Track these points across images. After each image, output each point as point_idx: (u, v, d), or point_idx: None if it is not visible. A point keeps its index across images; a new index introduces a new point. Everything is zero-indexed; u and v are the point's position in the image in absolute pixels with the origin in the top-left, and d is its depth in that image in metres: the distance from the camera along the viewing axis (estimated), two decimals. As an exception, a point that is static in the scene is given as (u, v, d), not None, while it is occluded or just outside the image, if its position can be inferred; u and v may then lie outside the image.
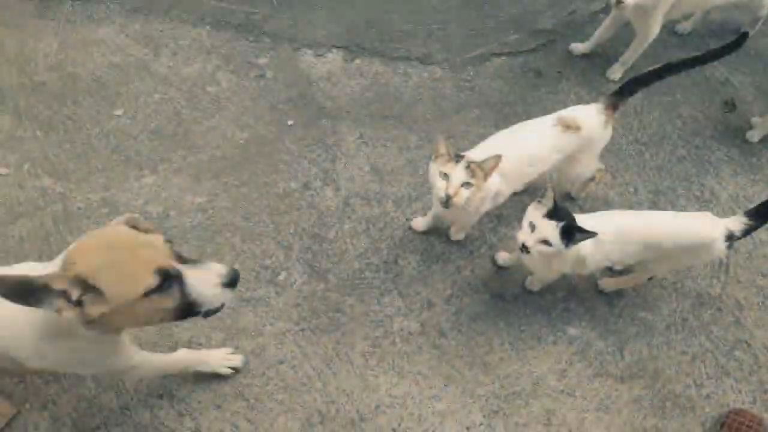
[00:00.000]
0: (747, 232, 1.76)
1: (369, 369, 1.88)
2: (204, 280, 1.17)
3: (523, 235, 1.66)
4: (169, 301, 1.14)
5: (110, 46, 2.67)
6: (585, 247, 1.70)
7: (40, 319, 1.19)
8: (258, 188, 2.23)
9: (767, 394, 1.92)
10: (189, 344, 1.87)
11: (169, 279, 1.12)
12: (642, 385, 1.90)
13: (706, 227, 1.75)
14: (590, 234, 1.61)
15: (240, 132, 2.39)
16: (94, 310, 1.09)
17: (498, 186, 1.87)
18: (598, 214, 1.79)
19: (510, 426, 1.81)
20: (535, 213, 1.67)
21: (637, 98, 2.58)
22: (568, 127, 1.93)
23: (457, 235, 2.15)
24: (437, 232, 2.17)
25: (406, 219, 2.20)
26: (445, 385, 1.87)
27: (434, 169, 1.77)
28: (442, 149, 1.77)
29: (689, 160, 2.47)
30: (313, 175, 2.29)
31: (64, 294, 1.06)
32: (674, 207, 2.30)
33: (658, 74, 2.00)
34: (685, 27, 2.92)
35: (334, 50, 2.72)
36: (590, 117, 1.97)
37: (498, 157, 1.73)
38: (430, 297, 2.03)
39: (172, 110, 2.44)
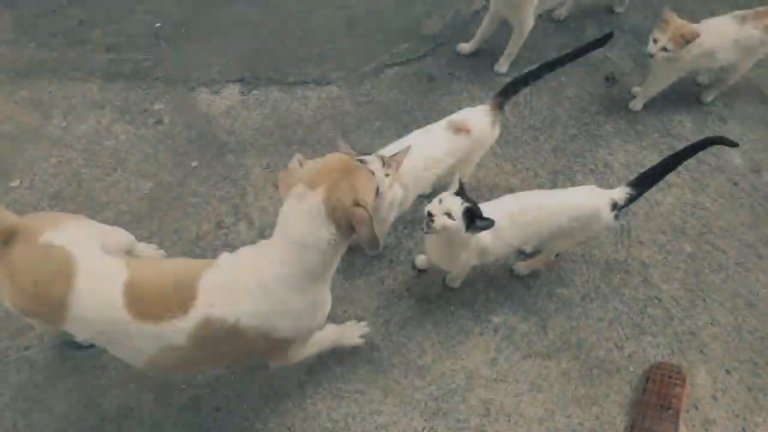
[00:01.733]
0: (630, 201, 1.86)
1: (307, 398, 1.86)
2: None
3: (431, 205, 1.69)
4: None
5: (-1, 116, 2.56)
6: (484, 236, 1.75)
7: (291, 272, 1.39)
8: (170, 236, 2.17)
9: (682, 344, 2.02)
10: (120, 406, 1.81)
11: None
12: (568, 358, 1.97)
13: (591, 200, 1.83)
14: (489, 223, 1.65)
15: (144, 182, 2.33)
16: None
17: (400, 194, 1.90)
18: (492, 201, 1.85)
19: (451, 423, 1.83)
20: (444, 193, 1.71)
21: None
22: (459, 129, 1.98)
23: None
24: (355, 249, 2.17)
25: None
26: (384, 397, 1.87)
27: None
28: (344, 150, 1.79)
29: (581, 137, 2.58)
30: (225, 212, 2.25)
31: None
32: (573, 183, 2.40)
33: (536, 74, 2.09)
34: (560, 13, 3.05)
35: (230, 84, 2.70)
36: (479, 118, 2.03)
37: (407, 149, 1.77)
38: (357, 312, 2.04)
39: (70, 172, 2.36)
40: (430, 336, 2.00)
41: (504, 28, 2.73)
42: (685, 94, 2.76)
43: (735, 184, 2.47)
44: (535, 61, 2.83)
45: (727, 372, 1.96)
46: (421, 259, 2.13)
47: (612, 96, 2.75)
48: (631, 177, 2.28)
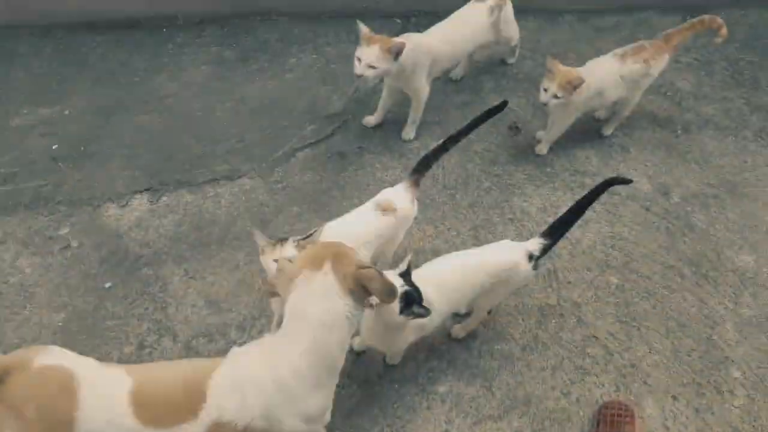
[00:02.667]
0: (546, 250, 1.95)
1: None
2: None
3: None
4: None
5: None
6: None
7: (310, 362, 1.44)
8: (90, 366, 2.11)
9: (626, 378, 2.09)
10: None
11: None
12: (519, 414, 2.00)
13: (507, 256, 1.92)
14: (425, 311, 1.70)
15: (56, 314, 2.28)
16: None
17: None
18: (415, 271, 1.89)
19: None
20: (389, 272, 1.75)
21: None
22: (386, 210, 2.06)
23: None
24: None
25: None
26: (337, 496, 1.84)
27: (265, 261, 1.84)
28: (262, 241, 1.83)
29: (495, 189, 2.71)
30: (146, 330, 2.22)
31: None
32: (494, 235, 2.50)
33: (443, 148, 2.20)
34: (457, 73, 3.24)
35: (138, 195, 2.71)
36: (401, 197, 2.11)
37: (321, 229, 1.86)
38: (299, 409, 2.01)
39: (-26, 317, 2.28)
40: (378, 421, 1.99)
41: (406, 96, 2.87)
42: (587, 131, 2.96)
43: (647, 209, 2.63)
44: (440, 121, 3.01)
45: (674, 398, 2.04)
46: (357, 341, 2.14)
47: (518, 144, 2.92)
48: (549, 220, 2.42)
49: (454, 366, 2.12)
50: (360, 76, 2.47)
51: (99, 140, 2.96)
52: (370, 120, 2.99)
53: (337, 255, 1.45)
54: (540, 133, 2.91)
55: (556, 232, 1.99)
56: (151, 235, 2.54)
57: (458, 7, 2.92)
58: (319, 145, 2.94)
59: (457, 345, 2.17)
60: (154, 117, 3.08)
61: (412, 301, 1.70)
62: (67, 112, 3.07)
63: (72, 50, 3.42)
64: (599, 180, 2.59)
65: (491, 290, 1.94)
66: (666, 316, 2.26)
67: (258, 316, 2.26)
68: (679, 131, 3.01)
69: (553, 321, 2.23)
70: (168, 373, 1.51)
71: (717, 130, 3.03)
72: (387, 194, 2.13)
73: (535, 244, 1.95)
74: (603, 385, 2.06)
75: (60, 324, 2.25)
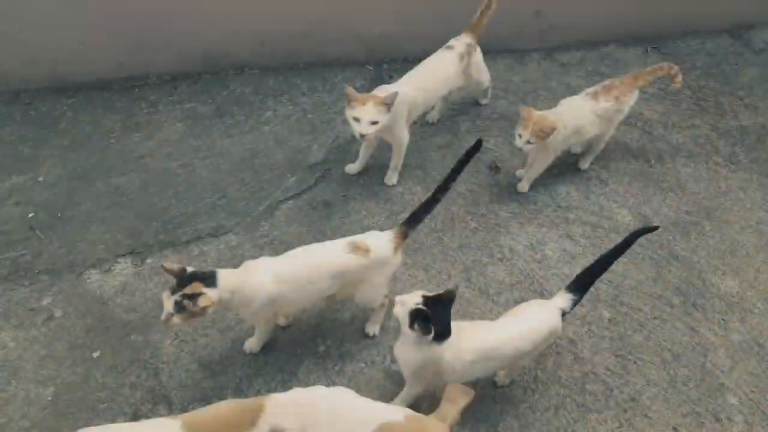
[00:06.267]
0: (575, 305, 2.01)
1: None
2: None
3: (401, 296, 1.88)
4: None
5: None
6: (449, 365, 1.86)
7: None
8: (84, 442, 2.08)
9: (627, 413, 2.14)
10: None
11: None
12: (526, 459, 2.03)
13: (548, 320, 1.98)
14: (429, 328, 1.78)
15: (44, 388, 2.24)
16: None
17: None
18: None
19: None
20: (420, 291, 1.88)
21: (418, 194, 2.89)
22: (357, 248, 2.11)
23: None
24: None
25: (252, 401, 2.18)
26: None
27: None
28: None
29: (481, 229, 2.78)
30: (139, 399, 2.20)
31: None
32: (485, 276, 2.56)
33: (434, 199, 2.27)
34: (433, 116, 3.34)
35: (120, 259, 2.71)
36: (381, 242, 2.16)
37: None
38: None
39: (-43, 398, 2.23)
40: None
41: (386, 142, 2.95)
42: (565, 165, 3.08)
43: (631, 240, 2.73)
44: (421, 164, 3.09)
45: (675, 430, 2.09)
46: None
47: (499, 183, 3.01)
48: (538, 257, 2.49)
49: (456, 413, 2.14)
50: (364, 135, 2.54)
51: (76, 205, 2.96)
52: (353, 167, 3.06)
53: None
54: (520, 171, 3.01)
55: (582, 285, 2.05)
56: (137, 299, 2.54)
57: (427, 53, 3.03)
58: (302, 195, 2.99)
59: (458, 391, 2.20)
60: (132, 177, 3.09)
61: (421, 318, 1.79)
62: (41, 179, 3.06)
63: (42, 115, 3.42)
64: (581, 214, 2.72)
65: (532, 351, 2.02)
66: (660, 347, 2.33)
67: (254, 375, 2.26)
68: (653, 160, 3.15)
69: (551, 360, 2.28)
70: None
71: (688, 157, 3.18)
72: (366, 236, 2.19)
73: (564, 301, 2.02)
74: (606, 422, 2.11)
75: (49, 399, 2.21)
